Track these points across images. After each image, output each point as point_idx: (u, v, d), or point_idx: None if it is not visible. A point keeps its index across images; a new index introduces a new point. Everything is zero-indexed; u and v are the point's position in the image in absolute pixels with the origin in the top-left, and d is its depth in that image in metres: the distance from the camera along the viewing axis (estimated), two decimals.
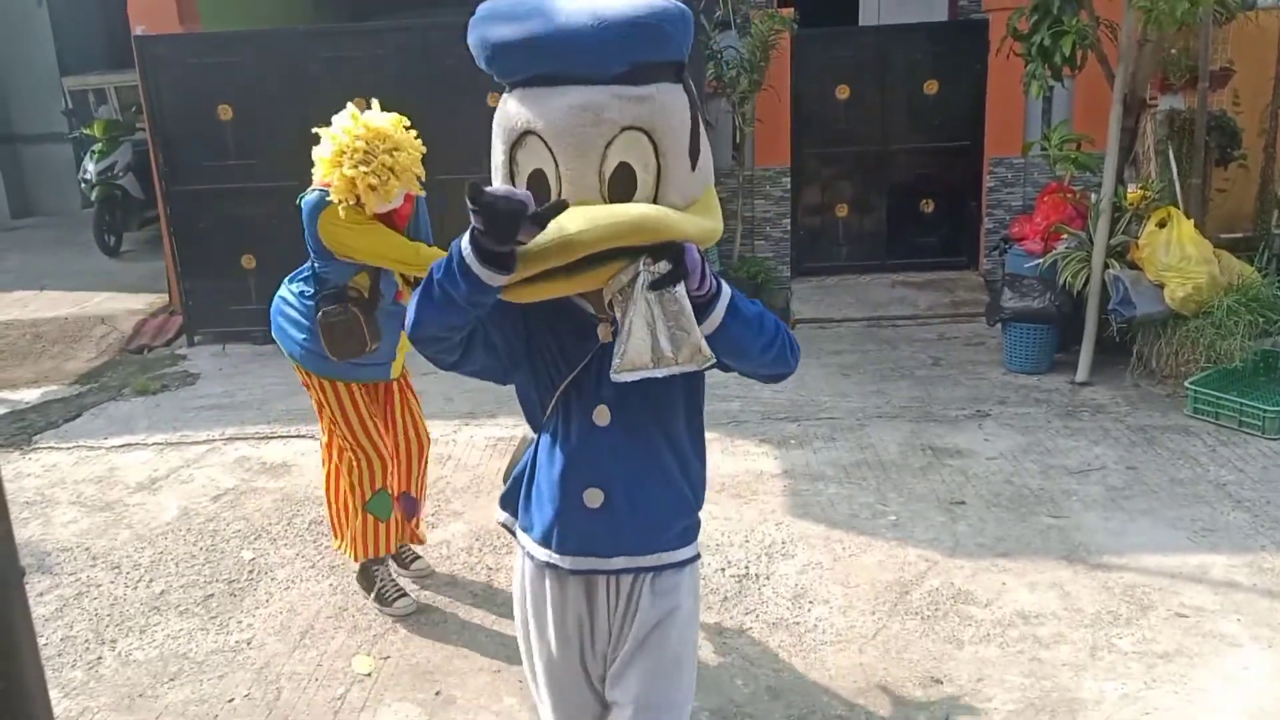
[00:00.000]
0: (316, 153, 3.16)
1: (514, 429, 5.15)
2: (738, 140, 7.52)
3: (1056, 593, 3.47)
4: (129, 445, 5.32)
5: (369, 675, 3.21)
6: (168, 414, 5.79)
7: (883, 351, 6.41)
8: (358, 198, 3.11)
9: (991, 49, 6.72)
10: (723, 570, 3.71)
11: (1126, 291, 5.29)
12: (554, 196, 1.62)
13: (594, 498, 1.77)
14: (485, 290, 1.55)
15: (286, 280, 3.48)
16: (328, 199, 3.16)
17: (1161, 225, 5.33)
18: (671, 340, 1.55)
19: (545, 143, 1.61)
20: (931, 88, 7.60)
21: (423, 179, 3.25)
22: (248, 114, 6.95)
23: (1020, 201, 7.50)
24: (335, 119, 3.18)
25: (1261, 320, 5.08)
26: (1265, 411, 4.67)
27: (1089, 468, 4.45)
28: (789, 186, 7.76)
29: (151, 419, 5.72)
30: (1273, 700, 2.87)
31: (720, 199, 1.83)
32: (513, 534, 1.93)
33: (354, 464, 3.41)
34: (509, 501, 1.94)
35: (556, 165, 1.61)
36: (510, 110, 1.66)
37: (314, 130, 3.18)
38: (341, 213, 3.14)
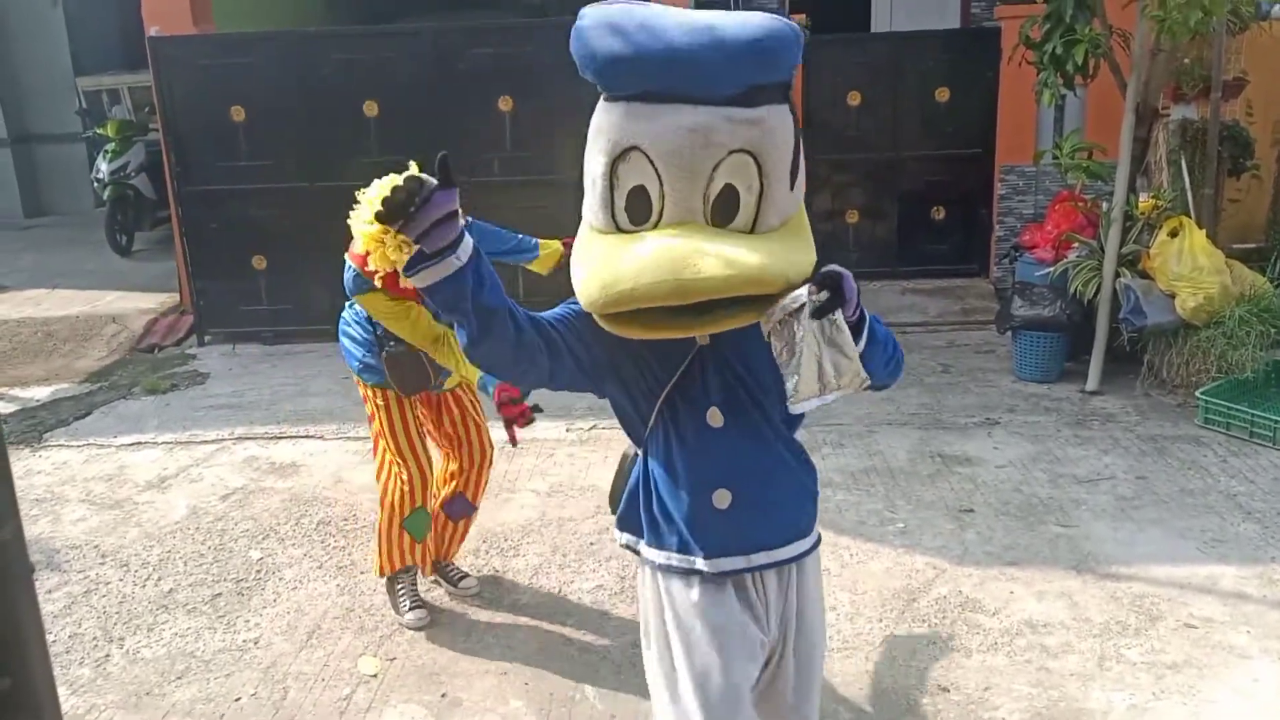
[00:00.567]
0: (356, 221, 2.77)
1: (521, 431, 5.14)
2: None
3: (1065, 602, 3.46)
4: (139, 444, 5.34)
5: (375, 676, 3.21)
6: (177, 413, 5.81)
7: None
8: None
9: (1004, 57, 6.71)
10: None
11: (1137, 301, 5.27)
12: (655, 214, 1.61)
13: (723, 499, 1.78)
14: (460, 283, 1.57)
15: (348, 304, 3.45)
16: (367, 284, 3.15)
17: (1173, 235, 5.31)
18: (835, 366, 1.55)
19: (650, 160, 1.59)
20: (943, 95, 7.59)
21: None
22: (260, 115, 6.98)
23: (1031, 209, 7.49)
24: (377, 184, 2.81)
25: (1273, 331, 5.06)
26: (1276, 422, 4.64)
27: (1098, 477, 4.43)
28: None
29: (161, 418, 5.73)
30: None
31: None
32: (637, 553, 1.93)
33: (398, 477, 3.40)
34: (628, 521, 1.93)
35: (661, 183, 1.59)
36: (614, 123, 1.62)
37: (356, 193, 2.80)
38: (379, 288, 3.15)
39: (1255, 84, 6.26)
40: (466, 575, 3.71)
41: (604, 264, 1.60)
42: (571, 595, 3.66)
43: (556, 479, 4.65)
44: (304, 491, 4.63)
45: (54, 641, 3.48)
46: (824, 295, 1.53)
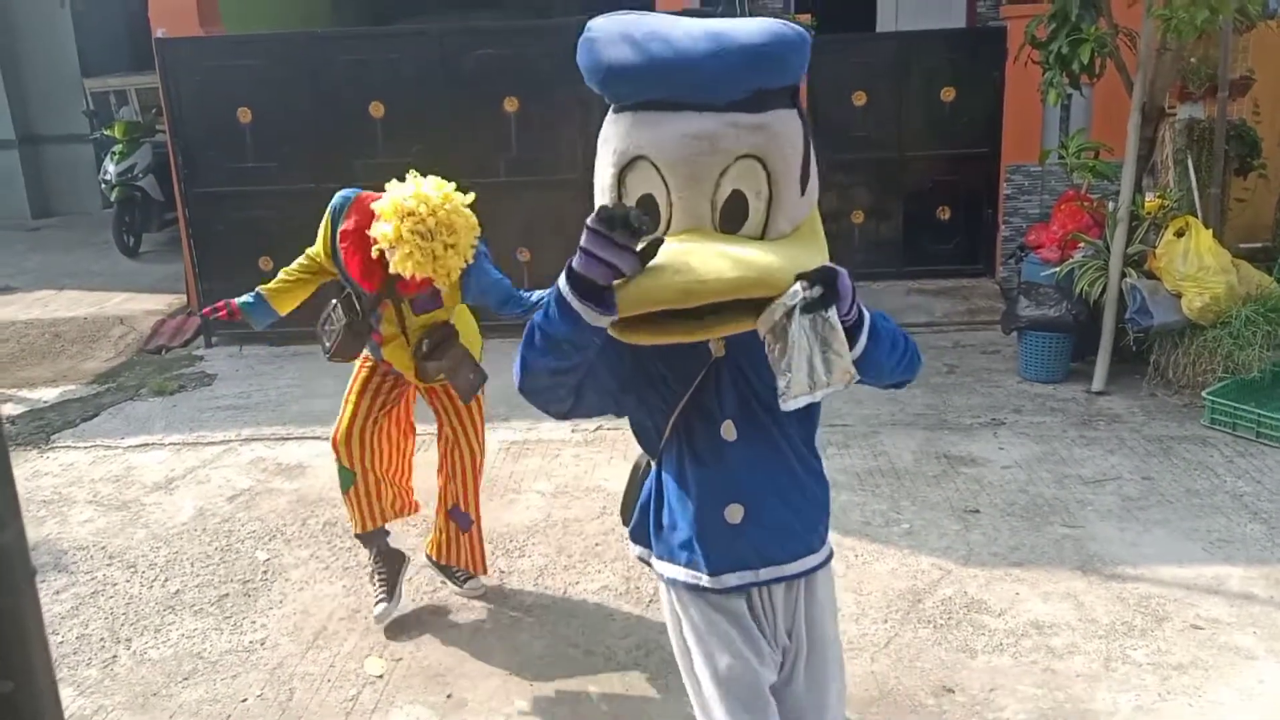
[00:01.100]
0: (383, 219, 3.01)
1: (526, 432, 5.16)
2: None
3: (1071, 603, 3.45)
4: (146, 445, 5.36)
5: (381, 677, 3.22)
6: (184, 414, 5.83)
7: None
8: (385, 252, 3.02)
9: (1009, 56, 6.69)
10: None
11: (1143, 301, 5.26)
12: (663, 221, 1.61)
13: (735, 514, 1.77)
14: (587, 330, 1.51)
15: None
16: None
17: (1179, 234, 5.30)
18: (825, 364, 1.54)
19: (657, 168, 1.58)
20: (949, 94, 7.57)
21: (470, 259, 3.10)
22: (267, 117, 6.99)
23: (1037, 209, 7.47)
24: (418, 187, 3.04)
25: None
26: None
27: (1104, 477, 4.42)
28: None
29: (168, 419, 5.75)
30: None
31: None
32: (649, 565, 1.93)
33: (338, 420, 3.45)
34: (640, 534, 1.92)
35: (668, 191, 1.59)
36: (621, 133, 1.62)
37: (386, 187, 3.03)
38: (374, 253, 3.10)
39: (1262, 82, 6.24)
40: (472, 576, 3.72)
41: None
42: (576, 596, 3.67)
43: (561, 480, 4.65)
44: (310, 493, 4.64)
45: (61, 643, 3.49)
46: (816, 290, 1.52)
